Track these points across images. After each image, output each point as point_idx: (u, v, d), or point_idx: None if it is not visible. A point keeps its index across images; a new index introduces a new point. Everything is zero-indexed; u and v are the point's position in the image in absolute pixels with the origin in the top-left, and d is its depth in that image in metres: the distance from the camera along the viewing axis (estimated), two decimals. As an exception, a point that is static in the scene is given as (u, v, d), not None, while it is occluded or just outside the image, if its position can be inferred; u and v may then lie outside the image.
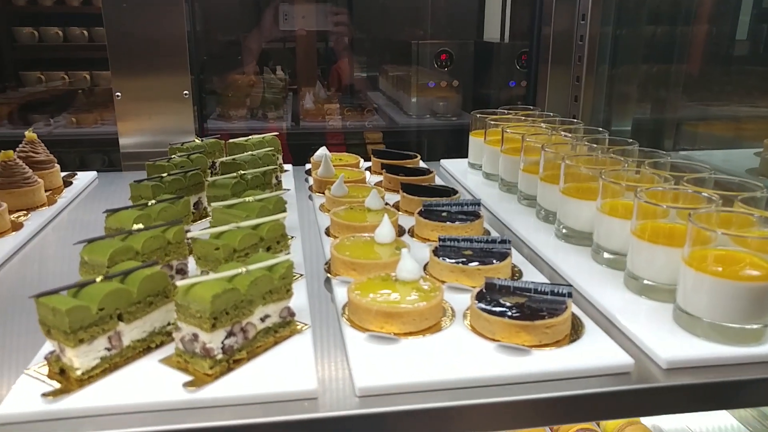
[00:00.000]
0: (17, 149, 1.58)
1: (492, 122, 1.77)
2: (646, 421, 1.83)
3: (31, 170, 1.48)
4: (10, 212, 1.38)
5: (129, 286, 0.84)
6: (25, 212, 1.44)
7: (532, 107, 2.00)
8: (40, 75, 3.46)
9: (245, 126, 2.92)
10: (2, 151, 1.46)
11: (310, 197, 1.65)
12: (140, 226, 1.01)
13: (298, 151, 2.54)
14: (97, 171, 1.86)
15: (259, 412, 0.78)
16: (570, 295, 0.96)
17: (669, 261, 1.03)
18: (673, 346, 0.92)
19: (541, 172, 1.42)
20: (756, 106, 1.79)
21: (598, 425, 1.65)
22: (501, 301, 0.96)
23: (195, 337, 0.83)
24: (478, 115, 1.88)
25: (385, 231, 1.18)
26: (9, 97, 3.07)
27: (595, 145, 1.44)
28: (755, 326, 0.92)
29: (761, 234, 0.96)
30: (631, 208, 1.10)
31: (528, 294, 0.98)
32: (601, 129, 1.62)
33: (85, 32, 3.57)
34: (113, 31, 1.88)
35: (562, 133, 1.60)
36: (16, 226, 1.35)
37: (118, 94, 1.92)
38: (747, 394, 0.89)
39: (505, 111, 1.90)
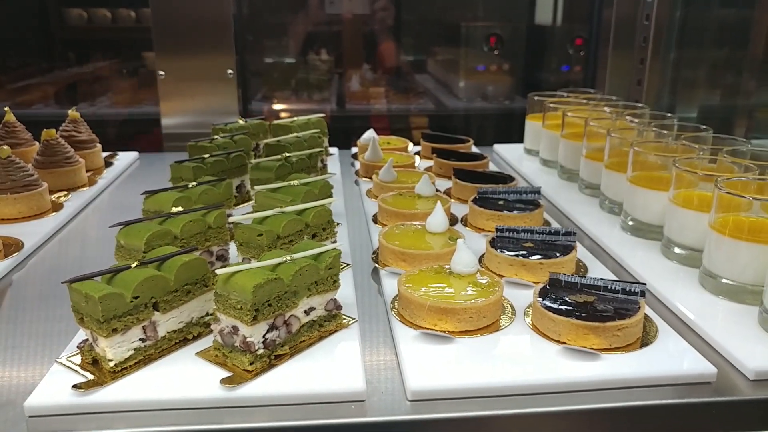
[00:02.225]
0: (60, 128, 1.55)
1: (551, 105, 1.67)
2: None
3: (73, 150, 1.45)
4: (51, 192, 1.35)
5: (165, 273, 0.78)
6: (65, 192, 1.41)
7: (592, 90, 1.89)
8: (89, 56, 3.47)
9: (290, 108, 2.86)
10: (45, 129, 1.43)
11: (356, 182, 1.58)
12: (179, 209, 0.96)
13: (343, 134, 2.48)
14: (139, 152, 1.82)
15: (302, 414, 0.72)
16: (643, 294, 0.87)
17: (753, 258, 0.93)
18: (760, 354, 0.82)
19: (606, 159, 1.32)
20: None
21: None
22: (567, 299, 0.88)
23: (235, 329, 0.77)
24: (536, 98, 1.78)
25: (437, 219, 1.10)
26: (57, 77, 3.08)
27: (664, 131, 1.33)
28: None
29: None
30: (708, 200, 1.00)
31: (597, 292, 0.89)
32: (669, 114, 1.50)
33: (132, 13, 3.57)
34: (158, 9, 1.84)
35: (627, 117, 1.50)
36: (57, 207, 1.32)
37: (162, 73, 1.88)
38: None
39: (564, 94, 1.80)
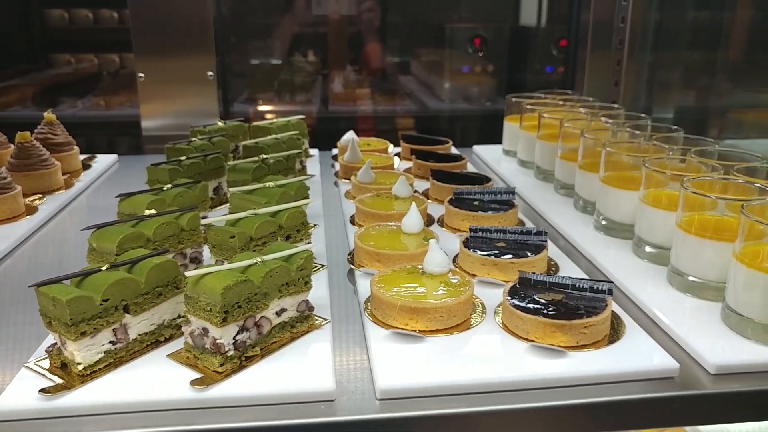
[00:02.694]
0: (35, 131, 1.54)
1: (528, 107, 1.68)
2: (684, 421, 1.75)
3: (48, 152, 1.45)
4: (26, 195, 1.35)
5: (136, 276, 0.79)
6: (40, 196, 1.40)
7: (570, 92, 1.91)
8: (70, 57, 3.45)
9: (274, 109, 2.86)
10: (19, 132, 1.42)
11: (335, 183, 1.59)
12: (152, 211, 0.96)
13: (328, 135, 2.48)
14: (118, 154, 1.82)
15: (272, 414, 0.73)
16: (611, 292, 0.89)
17: (718, 256, 0.95)
18: (721, 349, 0.84)
19: (580, 160, 1.34)
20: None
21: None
22: (536, 297, 0.89)
23: (205, 331, 0.77)
24: (513, 99, 1.79)
25: (412, 220, 1.11)
26: (35, 79, 3.06)
27: (637, 132, 1.35)
28: (815, 330, 0.84)
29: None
30: (676, 199, 1.02)
31: (565, 290, 0.90)
32: (643, 115, 1.52)
33: (115, 14, 3.55)
34: (137, 10, 1.84)
35: (602, 118, 1.51)
36: (31, 210, 1.32)
37: (141, 75, 1.88)
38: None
39: (542, 95, 1.82)
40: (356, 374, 0.81)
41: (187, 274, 0.77)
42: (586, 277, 1.06)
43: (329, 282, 1.04)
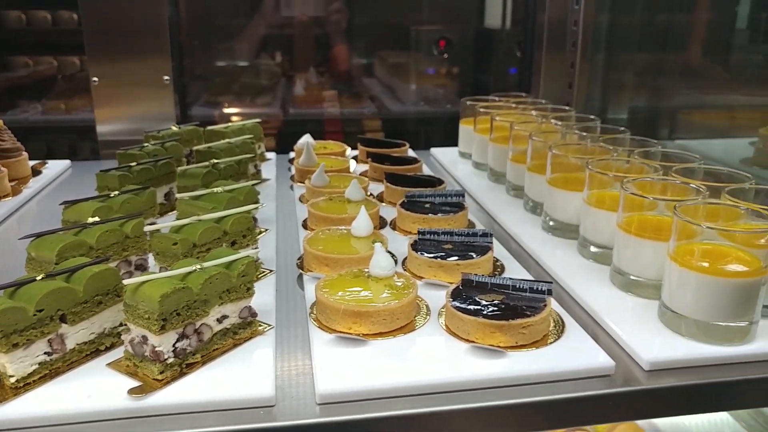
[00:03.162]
0: (-19, 137, 1.52)
1: (481, 110, 1.70)
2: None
3: (-6, 159, 1.43)
4: (-29, 203, 1.33)
5: (74, 285, 0.78)
6: (-15, 203, 1.38)
7: (524, 94, 1.93)
8: (27, 60, 3.38)
9: (235, 112, 2.84)
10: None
11: (291, 187, 1.59)
12: (96, 219, 0.95)
13: (292, 138, 2.48)
14: (78, 160, 1.80)
15: (211, 421, 0.73)
16: (550, 292, 0.90)
17: (656, 256, 0.97)
18: (656, 346, 0.86)
19: (529, 162, 1.36)
20: (752, 95, 1.73)
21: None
22: (477, 298, 0.91)
23: (144, 339, 0.77)
24: (468, 102, 1.81)
25: (361, 223, 1.12)
26: (-9, 82, 3.01)
27: (584, 134, 1.38)
28: (741, 324, 0.86)
29: (747, 227, 0.90)
30: (618, 200, 1.04)
31: (506, 291, 0.92)
32: (593, 117, 1.55)
33: (74, 16, 3.49)
34: (88, 12, 1.81)
35: (553, 121, 1.54)
36: (-24, 218, 1.30)
37: (95, 79, 1.86)
38: (732, 396, 0.84)
39: (497, 98, 1.84)
40: (298, 379, 0.81)
41: (125, 282, 0.77)
42: (531, 277, 1.08)
43: (277, 287, 1.04)
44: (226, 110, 2.84)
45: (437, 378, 0.79)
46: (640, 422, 1.68)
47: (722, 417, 1.73)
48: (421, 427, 0.76)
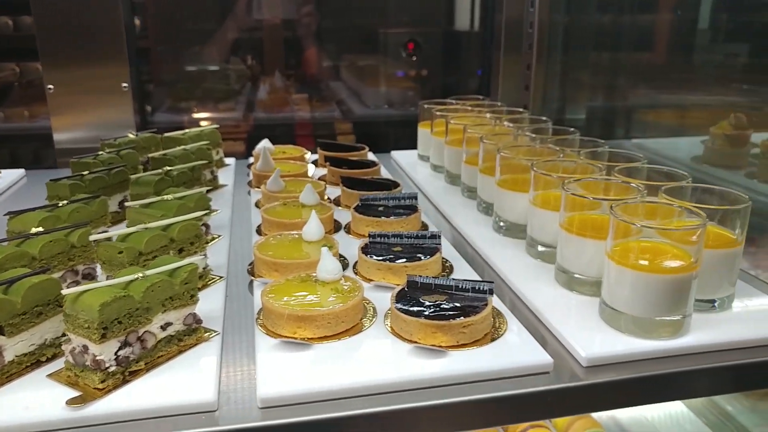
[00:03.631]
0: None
1: (438, 113, 1.72)
2: (602, 413, 1.82)
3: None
4: None
5: (11, 297, 0.78)
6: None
7: (482, 97, 1.96)
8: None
9: (198, 118, 2.83)
10: None
11: (249, 193, 1.60)
12: (39, 229, 0.95)
13: (257, 143, 2.48)
14: (37, 168, 1.78)
15: (151, 428, 0.74)
16: (491, 291, 0.92)
17: (597, 254, 1.00)
18: (594, 342, 0.89)
19: (481, 164, 1.39)
20: (704, 95, 1.77)
21: (550, 421, 1.62)
22: (421, 300, 0.92)
23: (85, 348, 0.77)
24: (425, 106, 1.83)
25: (311, 228, 1.13)
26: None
27: (533, 135, 1.41)
28: (675, 318, 0.89)
29: (679, 224, 0.93)
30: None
31: (449, 292, 0.94)
32: (545, 118, 1.58)
33: (9, 22, 3.42)
34: (42, 18, 1.80)
35: (506, 123, 1.57)
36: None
37: (50, 86, 1.84)
38: (668, 388, 0.86)
39: (454, 101, 1.86)
40: (242, 384, 0.82)
41: (63, 292, 0.77)
42: (478, 278, 1.10)
43: (228, 293, 1.05)
44: (191, 116, 2.83)
45: (378, 379, 0.81)
46: (602, 419, 1.71)
47: (682, 411, 1.77)
48: (362, 428, 0.78)
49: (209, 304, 0.98)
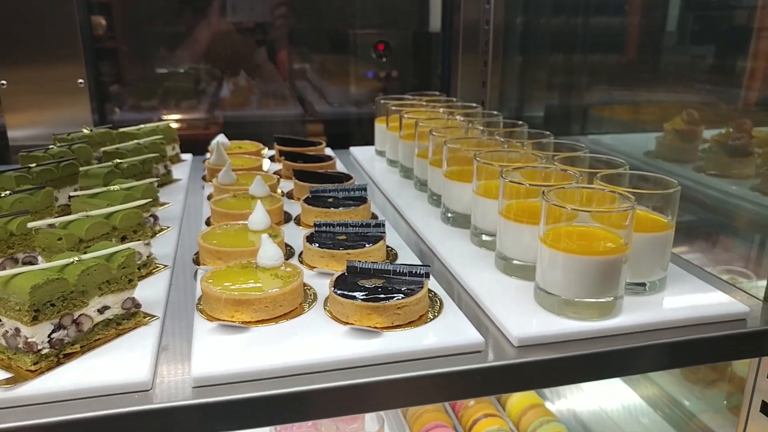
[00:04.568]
0: None
1: (393, 108, 1.75)
2: (560, 404, 1.86)
3: None
4: None
5: (-59, 282, 0.78)
6: None
7: (438, 93, 1.99)
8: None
9: (161, 118, 2.82)
10: None
11: (203, 187, 1.60)
12: (-24, 217, 0.95)
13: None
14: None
15: (83, 408, 0.74)
16: (427, 275, 0.95)
17: (533, 239, 1.02)
18: (526, 323, 0.91)
19: (430, 156, 1.41)
20: (657, 93, 1.82)
21: (503, 410, 1.65)
22: (359, 283, 0.94)
23: (17, 331, 0.78)
24: (381, 101, 1.85)
25: (257, 217, 1.14)
26: None
27: (482, 128, 1.44)
28: (606, 300, 0.92)
29: (609, 208, 0.96)
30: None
31: (387, 276, 0.96)
32: (496, 113, 1.61)
33: None
34: (-6, 14, 1.79)
35: (458, 117, 1.59)
36: None
37: (3, 82, 1.83)
38: (597, 366, 0.89)
39: (410, 97, 1.89)
40: (176, 367, 0.83)
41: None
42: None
43: (172, 282, 1.06)
44: (154, 115, 2.82)
45: (312, 359, 0.82)
46: (561, 408, 1.74)
47: (639, 404, 1.81)
48: (294, 407, 0.79)
49: (152, 291, 0.99)
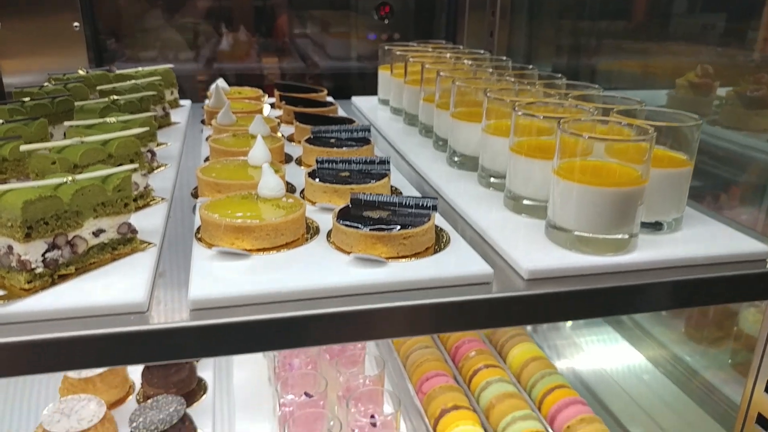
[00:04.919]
0: None
1: (398, 53, 1.70)
2: (560, 363, 1.84)
3: None
4: None
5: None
6: None
7: (444, 41, 1.94)
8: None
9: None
10: None
11: (201, 131, 1.56)
12: (-33, 141, 0.92)
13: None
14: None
15: (78, 326, 0.71)
16: (435, 207, 0.91)
17: (545, 175, 0.99)
18: (538, 257, 0.88)
19: (437, 99, 1.37)
20: (671, 50, 1.77)
21: (504, 362, 1.63)
22: (364, 215, 0.91)
23: (10, 249, 0.75)
24: (386, 47, 1.80)
25: (257, 152, 1.11)
26: None
27: (491, 70, 1.39)
28: (621, 236, 0.89)
29: (626, 137, 0.93)
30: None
31: (392, 208, 0.92)
32: (504, 57, 1.57)
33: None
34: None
35: (466, 61, 1.55)
36: None
37: (-3, 24, 1.78)
38: (609, 302, 0.86)
39: (415, 44, 1.84)
40: (173, 291, 0.80)
41: (-15, 188, 0.74)
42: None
43: (170, 215, 1.03)
44: (149, 66, 2.76)
45: (314, 284, 0.79)
46: (561, 367, 1.73)
47: (642, 364, 1.80)
48: (294, 332, 0.76)
49: (149, 222, 0.96)
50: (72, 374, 1.40)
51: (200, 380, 1.54)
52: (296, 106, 1.59)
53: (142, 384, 1.46)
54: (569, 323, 2.07)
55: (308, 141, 1.27)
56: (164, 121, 1.53)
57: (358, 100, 1.92)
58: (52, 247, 0.77)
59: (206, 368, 1.59)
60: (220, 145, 1.22)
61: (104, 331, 0.71)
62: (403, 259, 0.85)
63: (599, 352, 1.96)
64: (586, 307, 0.87)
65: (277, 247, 0.88)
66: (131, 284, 0.78)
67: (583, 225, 0.89)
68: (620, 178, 0.88)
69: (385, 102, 1.82)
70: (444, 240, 0.92)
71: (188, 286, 0.79)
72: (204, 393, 1.51)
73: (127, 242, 0.86)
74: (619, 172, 0.90)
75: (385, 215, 0.91)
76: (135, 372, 1.52)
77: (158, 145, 1.33)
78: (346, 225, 0.87)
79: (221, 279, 0.79)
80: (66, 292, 0.76)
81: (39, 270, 0.75)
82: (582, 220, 0.89)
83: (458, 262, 0.86)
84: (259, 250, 0.87)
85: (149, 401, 1.32)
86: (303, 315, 0.76)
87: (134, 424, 1.26)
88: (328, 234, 0.93)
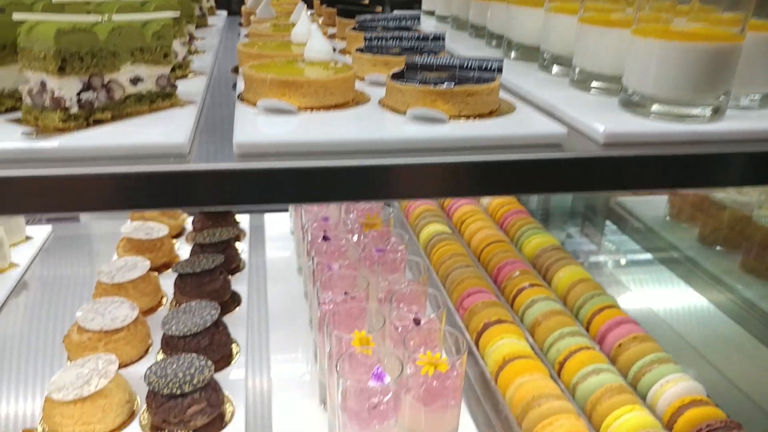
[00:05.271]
0: None
1: (445, -41, 1.60)
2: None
3: None
4: None
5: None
6: None
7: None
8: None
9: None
10: None
11: (239, 34, 1.49)
12: None
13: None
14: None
15: (116, 166, 0.65)
16: (500, 70, 0.83)
17: (619, 47, 0.90)
18: (612, 122, 0.79)
19: (492, -8, 1.27)
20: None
21: (549, 285, 1.55)
22: (421, 76, 0.83)
23: (43, 86, 0.69)
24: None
25: (301, 28, 1.03)
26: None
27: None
28: (710, 103, 0.80)
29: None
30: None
31: (453, 70, 0.84)
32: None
33: None
34: None
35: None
36: None
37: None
38: (693, 171, 0.78)
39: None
40: (215, 141, 0.74)
41: (15, 17, 0.68)
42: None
43: (210, 83, 0.96)
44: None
45: (367, 136, 0.72)
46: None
47: (696, 302, 1.70)
48: (343, 181, 0.69)
49: (190, 87, 0.89)
50: (105, 279, 1.36)
51: (234, 293, 1.49)
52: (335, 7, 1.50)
53: (174, 293, 1.42)
54: (619, 260, 1.99)
55: (354, 30, 1.19)
56: (201, 21, 1.46)
57: (400, 14, 1.83)
58: (87, 87, 0.70)
59: (240, 282, 1.54)
60: (261, 32, 1.15)
61: (144, 169, 0.64)
62: (466, 119, 0.78)
63: (646, 291, 1.87)
64: (666, 175, 0.78)
65: (326, 107, 0.81)
66: (172, 130, 0.71)
67: (667, 87, 0.80)
68: (712, 33, 0.79)
69: (430, 14, 1.73)
70: (508, 107, 0.84)
71: (232, 135, 0.72)
72: (238, 305, 1.46)
73: (166, 96, 0.79)
74: (709, 32, 0.80)
75: (444, 75, 0.83)
76: (168, 284, 1.48)
77: (195, 39, 1.26)
78: (403, 82, 0.79)
79: (268, 128, 0.73)
80: (101, 134, 0.69)
81: (74, 110, 0.69)
82: (665, 81, 0.80)
83: (527, 123, 0.78)
84: (306, 108, 0.80)
85: (183, 305, 1.28)
86: (359, 165, 0.68)
87: (167, 326, 1.22)
88: (381, 100, 0.86)
